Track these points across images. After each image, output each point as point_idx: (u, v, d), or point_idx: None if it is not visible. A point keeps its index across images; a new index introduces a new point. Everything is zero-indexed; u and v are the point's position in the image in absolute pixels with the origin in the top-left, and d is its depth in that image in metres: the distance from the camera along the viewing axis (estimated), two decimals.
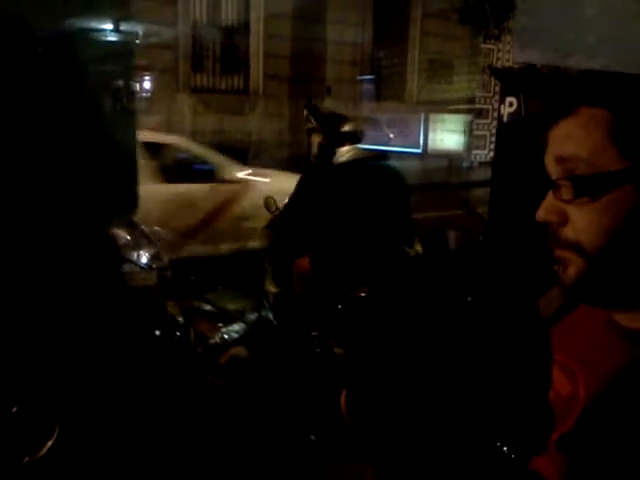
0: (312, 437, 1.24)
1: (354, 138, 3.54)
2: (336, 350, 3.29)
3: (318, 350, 3.34)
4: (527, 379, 0.80)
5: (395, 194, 3.66)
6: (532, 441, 0.74)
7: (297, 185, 3.72)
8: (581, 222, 0.72)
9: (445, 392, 0.84)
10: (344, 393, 0.90)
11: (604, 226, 0.70)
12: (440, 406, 0.83)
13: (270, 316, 3.89)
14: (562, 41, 0.69)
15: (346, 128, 3.57)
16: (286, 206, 3.90)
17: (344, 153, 3.51)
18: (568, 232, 0.73)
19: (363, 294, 3.24)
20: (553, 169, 0.75)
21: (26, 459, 1.54)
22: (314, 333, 3.42)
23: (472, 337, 0.91)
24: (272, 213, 4.09)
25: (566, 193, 0.72)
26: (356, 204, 3.45)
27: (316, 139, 3.65)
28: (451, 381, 0.85)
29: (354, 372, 0.92)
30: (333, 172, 3.51)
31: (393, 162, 3.84)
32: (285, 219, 3.87)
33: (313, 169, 3.69)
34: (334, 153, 3.52)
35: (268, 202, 4.10)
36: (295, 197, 3.76)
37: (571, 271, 0.74)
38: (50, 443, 1.58)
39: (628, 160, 0.68)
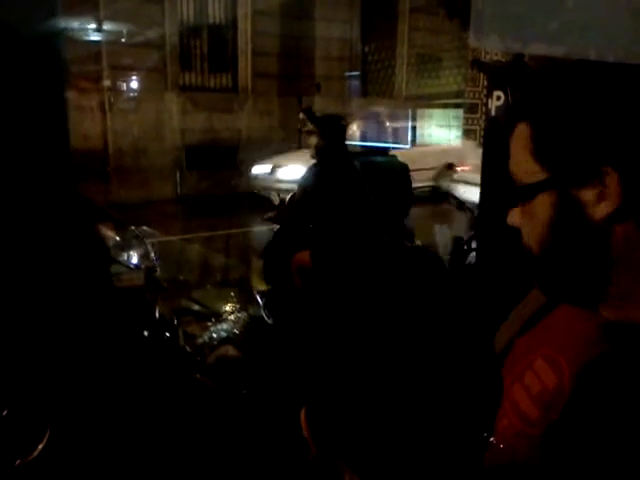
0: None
1: (351, 135, 3.66)
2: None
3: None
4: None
5: (394, 188, 3.73)
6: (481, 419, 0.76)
7: (300, 181, 3.83)
8: (524, 225, 0.78)
9: (415, 392, 0.84)
10: (303, 411, 0.89)
11: (536, 229, 0.76)
12: (408, 408, 0.83)
13: (259, 314, 3.92)
14: (522, 27, 0.69)
15: (342, 126, 3.72)
16: (290, 200, 3.98)
17: (342, 150, 3.60)
18: (523, 234, 0.79)
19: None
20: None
21: (17, 462, 1.53)
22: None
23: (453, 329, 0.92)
24: (277, 207, 4.16)
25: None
26: (354, 198, 3.52)
27: (314, 140, 3.77)
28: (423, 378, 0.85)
29: (315, 388, 0.91)
30: (332, 168, 3.63)
31: (391, 156, 3.92)
32: (289, 213, 3.97)
33: (314, 167, 3.81)
34: (332, 150, 3.64)
35: (273, 197, 4.19)
36: (297, 193, 3.86)
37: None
38: (41, 446, 1.57)
39: (546, 170, 0.73)
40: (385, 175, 3.76)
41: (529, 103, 0.76)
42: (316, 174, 3.75)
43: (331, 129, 3.70)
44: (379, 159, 3.79)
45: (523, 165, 0.75)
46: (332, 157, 3.66)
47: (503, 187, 0.82)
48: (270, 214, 4.26)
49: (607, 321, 0.74)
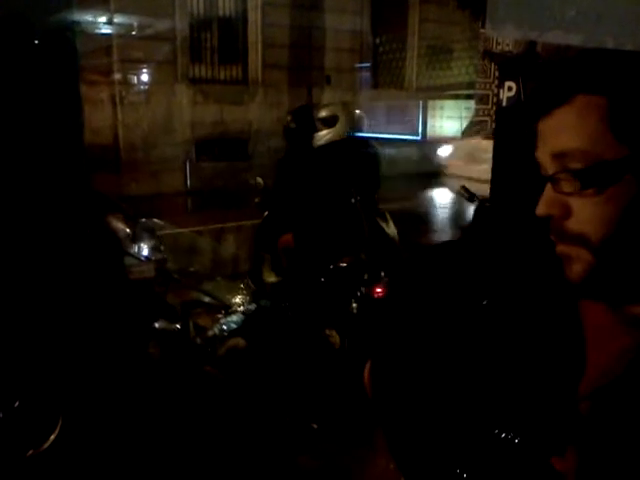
0: (314, 425, 1.23)
1: (330, 122, 3.88)
2: (329, 333, 3.45)
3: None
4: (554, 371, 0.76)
5: (369, 171, 3.96)
6: (554, 437, 0.71)
7: (276, 167, 4.13)
8: (584, 213, 0.69)
9: (467, 380, 0.81)
10: (368, 365, 0.88)
11: (608, 216, 0.68)
12: (460, 393, 0.80)
13: (268, 306, 4.06)
14: (538, 15, 0.67)
15: (322, 114, 3.94)
16: (273, 186, 4.29)
17: (321, 137, 3.89)
18: (572, 225, 0.70)
19: (344, 264, 3.56)
20: (549, 164, 0.72)
21: (30, 452, 1.54)
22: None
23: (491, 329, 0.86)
24: (260, 193, 4.47)
25: (568, 186, 0.69)
26: (333, 182, 3.77)
27: (291, 125, 4.16)
28: (473, 369, 0.82)
29: (378, 345, 0.89)
30: (311, 154, 3.89)
31: (371, 144, 4.14)
32: (272, 199, 4.29)
33: (289, 152, 4.11)
34: (312, 137, 3.91)
35: (257, 182, 4.48)
36: (276, 179, 4.21)
37: (578, 267, 0.71)
38: (53, 436, 1.58)
39: (626, 148, 0.66)
40: (363, 159, 4.04)
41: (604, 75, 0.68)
42: (287, 161, 4.09)
43: (301, 119, 3.98)
44: (358, 145, 4.02)
45: (595, 142, 0.67)
46: (302, 144, 3.92)
47: (514, 177, 0.77)
48: (257, 200, 4.54)
49: (633, 317, 0.71)
